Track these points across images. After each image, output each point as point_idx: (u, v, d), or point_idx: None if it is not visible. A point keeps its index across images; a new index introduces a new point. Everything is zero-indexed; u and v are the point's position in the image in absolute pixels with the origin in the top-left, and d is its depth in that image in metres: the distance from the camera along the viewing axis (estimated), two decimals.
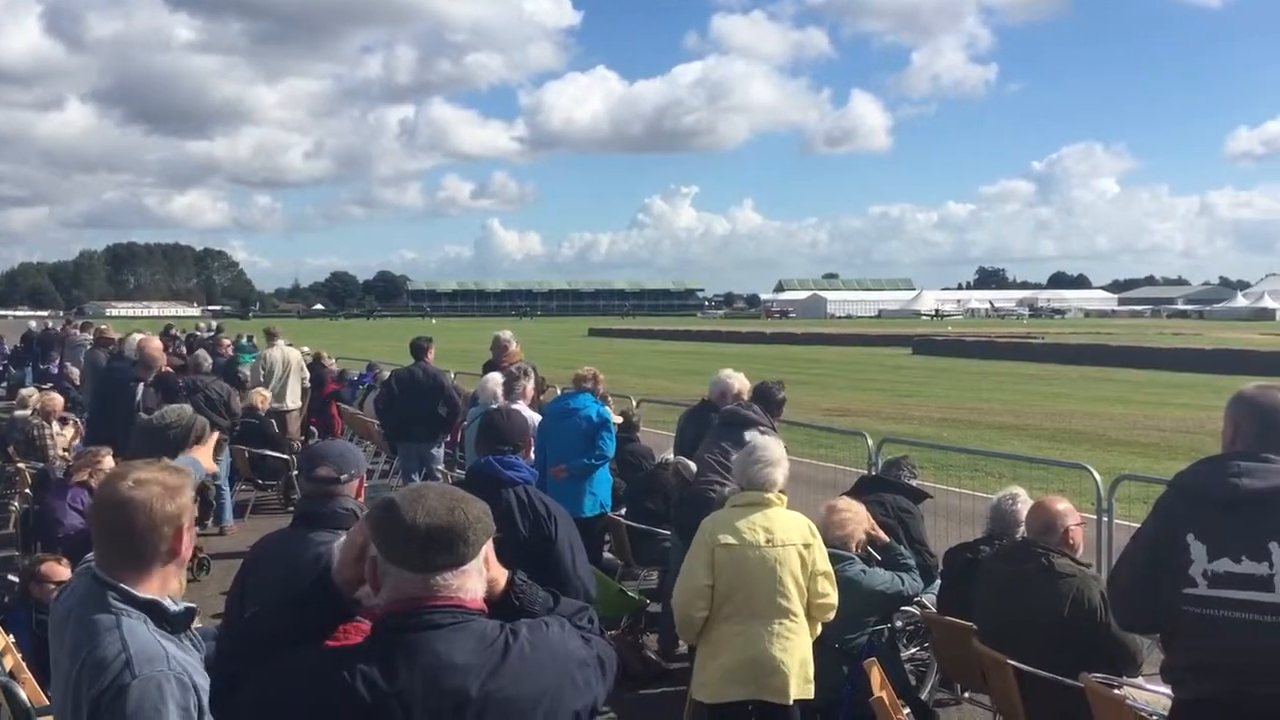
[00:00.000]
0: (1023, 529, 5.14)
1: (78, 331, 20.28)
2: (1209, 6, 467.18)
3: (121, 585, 2.41)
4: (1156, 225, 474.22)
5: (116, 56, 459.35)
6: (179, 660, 2.35)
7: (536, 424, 7.30)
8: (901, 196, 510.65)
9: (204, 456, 4.53)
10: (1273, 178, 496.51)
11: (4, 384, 23.52)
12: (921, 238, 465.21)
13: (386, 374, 13.15)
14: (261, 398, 12.38)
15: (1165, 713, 3.66)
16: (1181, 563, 3.22)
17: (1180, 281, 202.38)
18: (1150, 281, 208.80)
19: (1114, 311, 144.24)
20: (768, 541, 4.46)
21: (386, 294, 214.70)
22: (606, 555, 8.12)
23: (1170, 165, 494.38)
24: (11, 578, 5.98)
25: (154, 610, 2.42)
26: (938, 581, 5.92)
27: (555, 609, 2.23)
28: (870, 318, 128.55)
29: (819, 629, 4.62)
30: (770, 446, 4.74)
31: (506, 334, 10.45)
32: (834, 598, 4.59)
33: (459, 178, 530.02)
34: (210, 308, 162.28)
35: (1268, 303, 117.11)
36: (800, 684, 4.47)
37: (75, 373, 16.30)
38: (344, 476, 3.69)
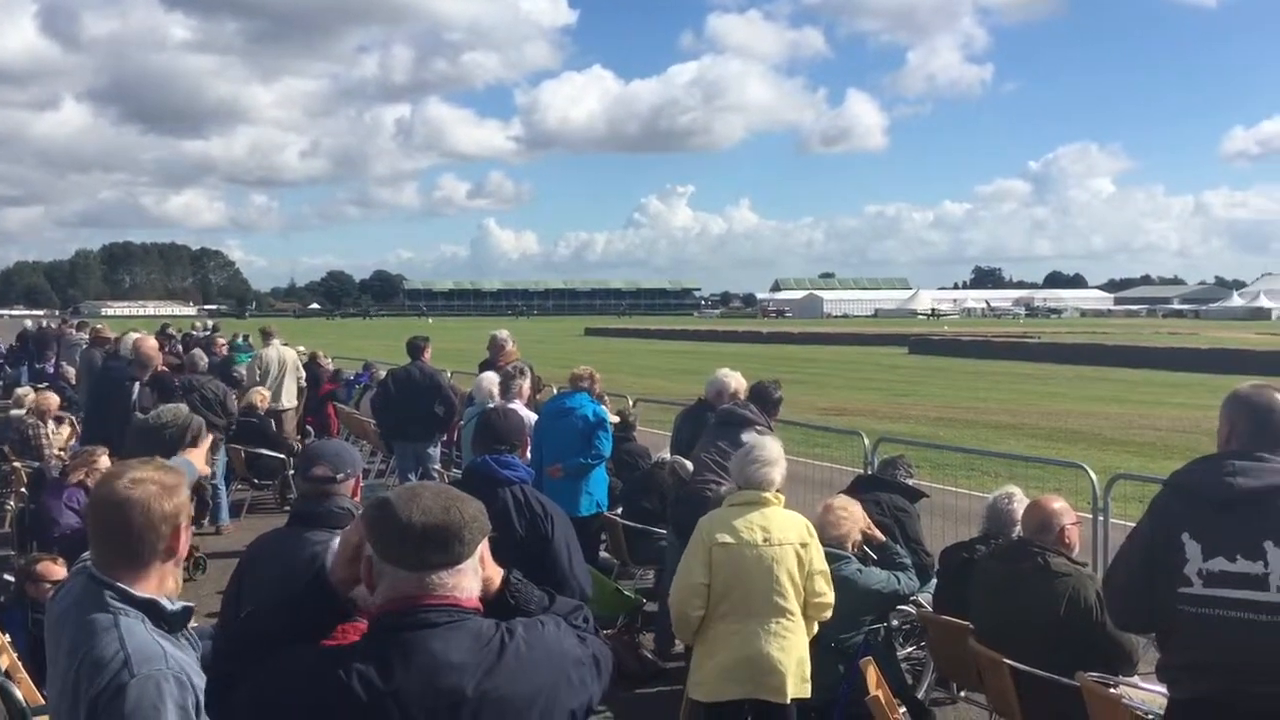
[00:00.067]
0: (1019, 528, 5.14)
1: (74, 331, 20.28)
2: (1204, 6, 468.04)
3: (119, 584, 2.41)
4: (1152, 225, 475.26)
5: (112, 56, 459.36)
6: (177, 659, 2.35)
7: (533, 423, 7.31)
8: (897, 196, 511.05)
9: (198, 458, 4.53)
10: (1268, 177, 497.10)
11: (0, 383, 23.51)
12: (918, 237, 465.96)
13: (383, 373, 13.14)
14: (260, 397, 12.38)
15: (1161, 712, 3.66)
16: (1177, 562, 3.23)
17: (1176, 281, 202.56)
18: (1146, 281, 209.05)
19: (1110, 311, 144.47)
20: (765, 540, 4.47)
21: (383, 293, 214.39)
22: (603, 554, 8.12)
23: (1166, 165, 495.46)
24: (7, 577, 5.96)
25: (151, 609, 2.42)
26: (934, 581, 5.93)
27: (551, 608, 2.23)
28: (866, 317, 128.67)
29: (816, 628, 4.62)
30: (768, 446, 4.74)
31: (503, 333, 10.45)
32: (830, 597, 4.59)
33: (455, 177, 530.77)
34: (206, 307, 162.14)
35: (1263, 302, 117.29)
36: (797, 683, 4.47)
37: (71, 372, 16.27)
38: (340, 476, 3.69)
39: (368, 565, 2.06)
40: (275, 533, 3.84)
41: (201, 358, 11.34)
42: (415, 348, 10.45)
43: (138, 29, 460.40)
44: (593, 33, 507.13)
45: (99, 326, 16.80)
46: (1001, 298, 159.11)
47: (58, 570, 5.20)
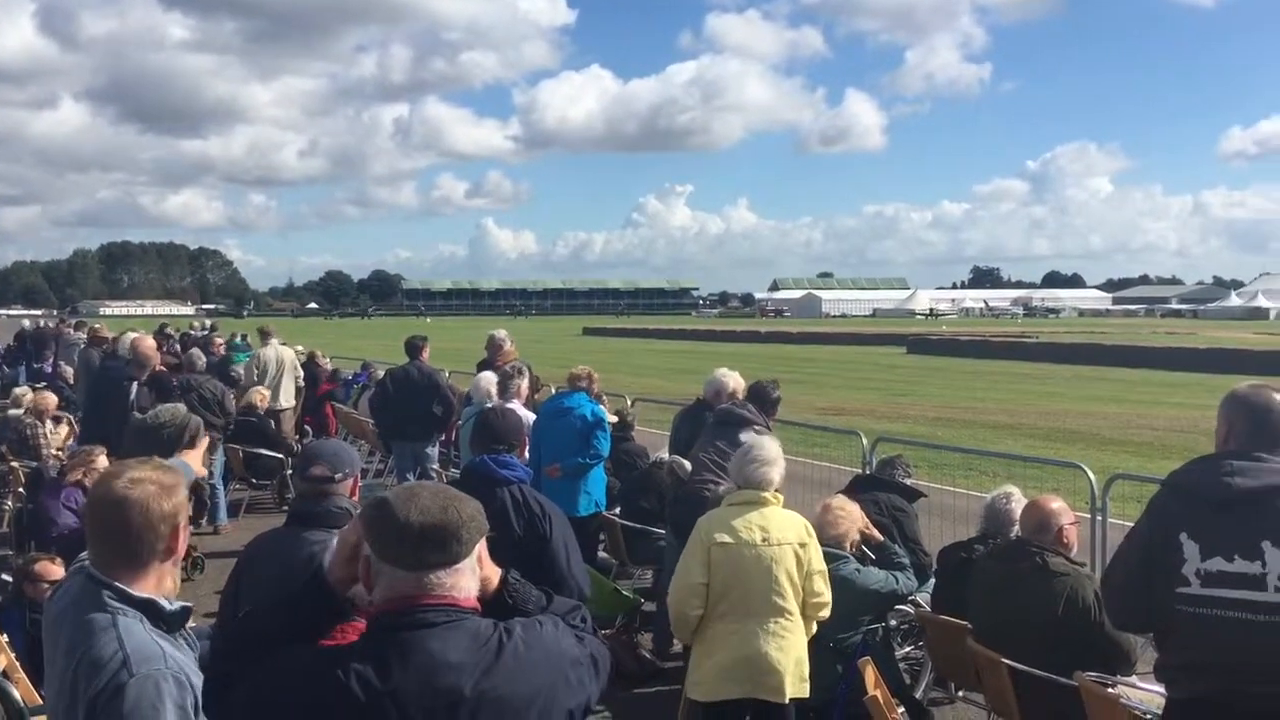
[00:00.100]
0: (1017, 528, 5.14)
1: (71, 330, 20.26)
2: (1202, 6, 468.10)
3: (117, 584, 2.40)
4: (1150, 225, 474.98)
5: (110, 55, 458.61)
6: (175, 659, 2.35)
7: (531, 423, 7.30)
8: (896, 196, 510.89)
9: (194, 460, 4.52)
10: (1266, 177, 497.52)
11: None
12: (916, 237, 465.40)
13: (381, 373, 13.14)
14: (260, 396, 12.38)
15: (1159, 711, 3.66)
16: (1175, 562, 3.23)
17: (1174, 281, 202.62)
18: (1144, 281, 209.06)
19: (1108, 311, 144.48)
20: (764, 540, 4.47)
21: (381, 293, 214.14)
22: (601, 554, 8.12)
23: (1164, 165, 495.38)
24: (5, 577, 5.96)
25: (150, 609, 2.42)
26: (932, 580, 5.93)
27: (549, 608, 2.23)
28: (865, 317, 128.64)
29: (814, 628, 4.62)
30: (767, 446, 4.75)
31: (501, 333, 10.44)
32: (829, 597, 4.59)
33: (453, 177, 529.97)
34: (204, 307, 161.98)
35: (1261, 302, 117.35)
36: (796, 683, 4.47)
37: (69, 371, 16.26)
38: (338, 475, 3.69)
39: (365, 565, 2.05)
40: (273, 532, 3.84)
41: (199, 357, 11.33)
42: (413, 347, 10.46)
43: (136, 28, 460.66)
44: (591, 32, 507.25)
45: (97, 326, 16.76)
46: (999, 297, 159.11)
47: (55, 570, 5.20)
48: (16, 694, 4.23)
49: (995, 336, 52.89)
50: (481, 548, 2.11)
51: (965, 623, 4.91)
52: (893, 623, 5.82)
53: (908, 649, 6.15)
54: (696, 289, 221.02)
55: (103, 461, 6.65)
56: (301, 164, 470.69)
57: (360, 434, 13.38)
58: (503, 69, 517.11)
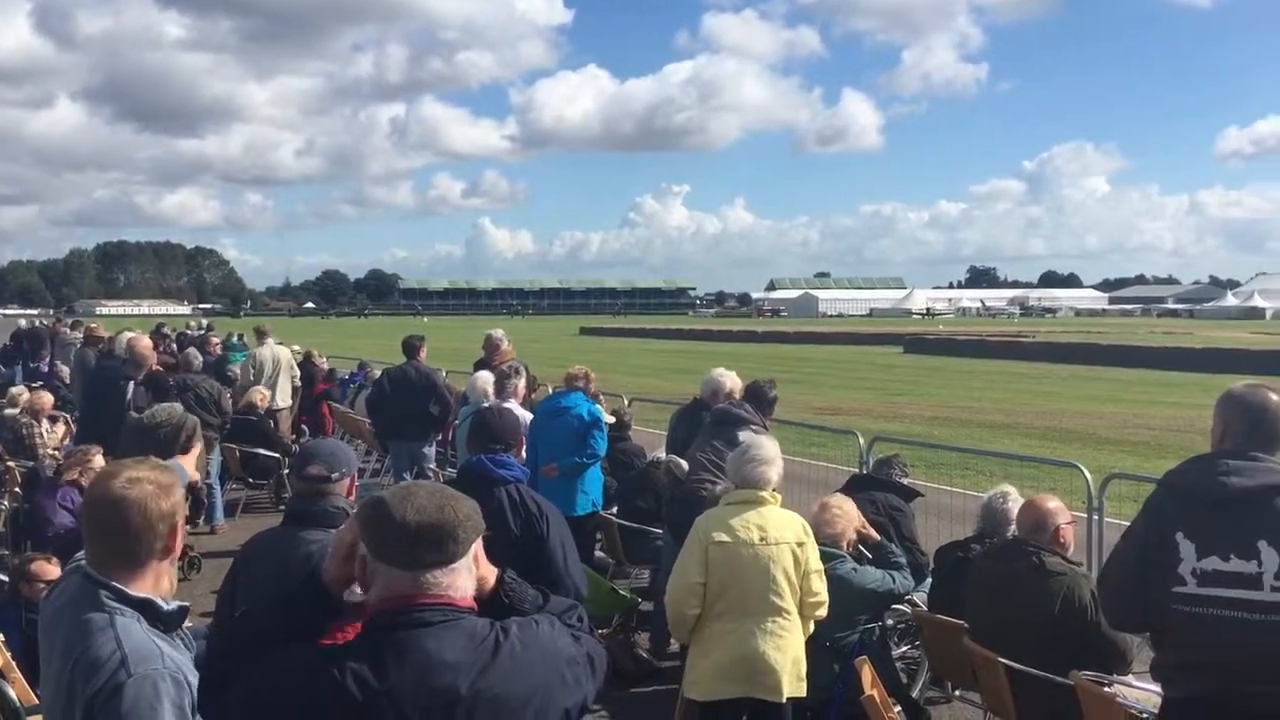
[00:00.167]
0: (1013, 527, 5.15)
1: (68, 330, 20.20)
2: (1199, 6, 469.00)
3: (114, 584, 2.40)
4: (1147, 224, 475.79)
5: (106, 54, 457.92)
6: (173, 659, 2.35)
7: (528, 422, 7.30)
8: (893, 195, 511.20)
9: (189, 464, 4.53)
10: (1262, 177, 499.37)
11: None
12: (913, 236, 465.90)
13: (378, 373, 13.13)
14: (260, 396, 12.36)
15: (1155, 710, 3.67)
16: (1171, 561, 3.23)
17: (1170, 280, 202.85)
18: (1140, 280, 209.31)
19: (1104, 310, 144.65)
20: (761, 540, 4.47)
21: (378, 292, 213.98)
22: (598, 554, 8.12)
23: (1160, 164, 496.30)
24: (1, 576, 5.95)
25: (147, 609, 2.42)
26: (929, 580, 5.94)
27: (545, 607, 2.23)
28: (862, 316, 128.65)
29: (811, 627, 4.62)
30: (765, 445, 4.75)
31: (498, 333, 10.45)
32: (826, 596, 4.59)
33: (450, 176, 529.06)
34: (201, 306, 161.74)
35: (1257, 302, 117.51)
36: (793, 682, 4.47)
37: (65, 371, 16.21)
38: (335, 475, 3.69)
39: (362, 564, 2.05)
40: (270, 532, 3.84)
41: (196, 357, 11.32)
42: (410, 347, 10.46)
43: (132, 27, 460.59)
44: (588, 32, 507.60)
45: (93, 325, 16.71)
46: (996, 297, 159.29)
47: (52, 570, 5.19)
48: (12, 693, 4.23)
49: (992, 336, 52.90)
50: (478, 547, 2.10)
51: (962, 622, 4.92)
52: (889, 622, 5.82)
53: (904, 648, 6.15)
54: (693, 289, 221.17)
55: (99, 461, 6.64)
56: (298, 163, 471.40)
57: (357, 433, 13.37)
58: (499, 68, 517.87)
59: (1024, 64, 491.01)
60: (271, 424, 12.35)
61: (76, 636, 2.35)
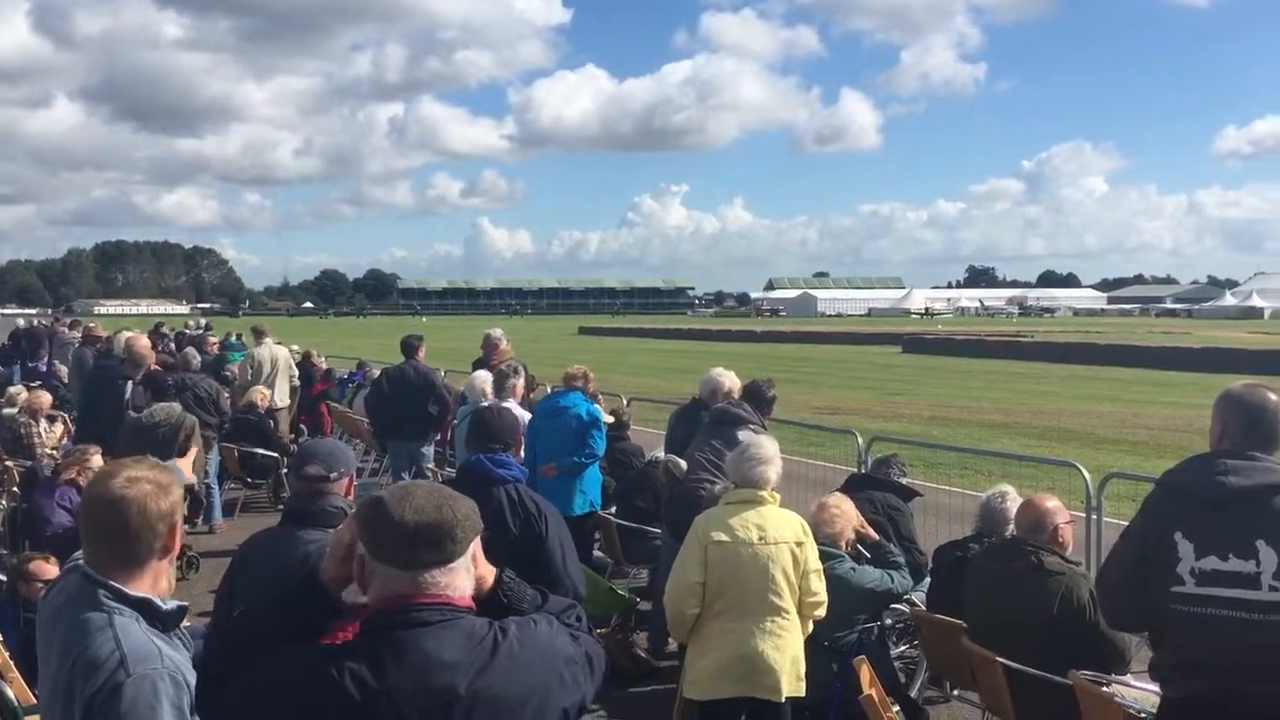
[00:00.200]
0: (1012, 527, 5.15)
1: (66, 329, 20.18)
2: (1197, 6, 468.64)
3: (113, 583, 2.39)
4: (1145, 224, 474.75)
5: (104, 54, 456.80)
6: (172, 659, 2.34)
7: (527, 422, 7.30)
8: (891, 195, 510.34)
9: (185, 466, 4.53)
10: (1260, 177, 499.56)
11: None
12: (911, 236, 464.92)
13: (376, 372, 13.13)
14: (261, 395, 12.34)
15: (1154, 710, 3.67)
16: (1169, 561, 3.23)
17: (1169, 280, 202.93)
18: (1139, 280, 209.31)
19: (1103, 310, 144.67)
20: (760, 539, 4.47)
21: (376, 292, 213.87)
22: (596, 553, 8.12)
23: (1158, 164, 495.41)
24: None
25: (146, 608, 2.41)
26: (927, 579, 5.94)
27: (543, 606, 2.23)
28: (860, 316, 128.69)
29: (810, 627, 4.63)
30: (764, 445, 4.75)
31: (497, 332, 10.45)
32: (825, 596, 4.59)
33: (449, 176, 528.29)
34: (200, 306, 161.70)
35: (1255, 301, 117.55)
36: (792, 681, 4.47)
37: (64, 370, 16.21)
38: (333, 475, 3.69)
39: (360, 564, 2.05)
40: (268, 532, 3.84)
41: (194, 356, 11.32)
42: (409, 347, 10.46)
43: (130, 27, 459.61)
44: (586, 31, 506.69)
45: (91, 325, 16.70)
46: (995, 297, 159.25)
47: (49, 569, 5.19)
48: (10, 693, 4.23)
49: (990, 336, 52.91)
50: (476, 546, 2.10)
51: (960, 622, 4.92)
52: (888, 621, 5.82)
53: (903, 648, 6.15)
54: (692, 288, 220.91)
55: (97, 460, 6.64)
56: (296, 163, 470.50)
57: (355, 433, 13.37)
58: (498, 68, 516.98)
59: (1022, 64, 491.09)
60: (272, 424, 12.35)
61: (75, 636, 2.35)
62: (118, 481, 2.43)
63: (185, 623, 2.59)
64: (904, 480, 6.77)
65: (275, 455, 11.41)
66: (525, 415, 7.55)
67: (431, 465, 10.38)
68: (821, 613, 4.61)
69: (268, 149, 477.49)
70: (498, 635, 2.02)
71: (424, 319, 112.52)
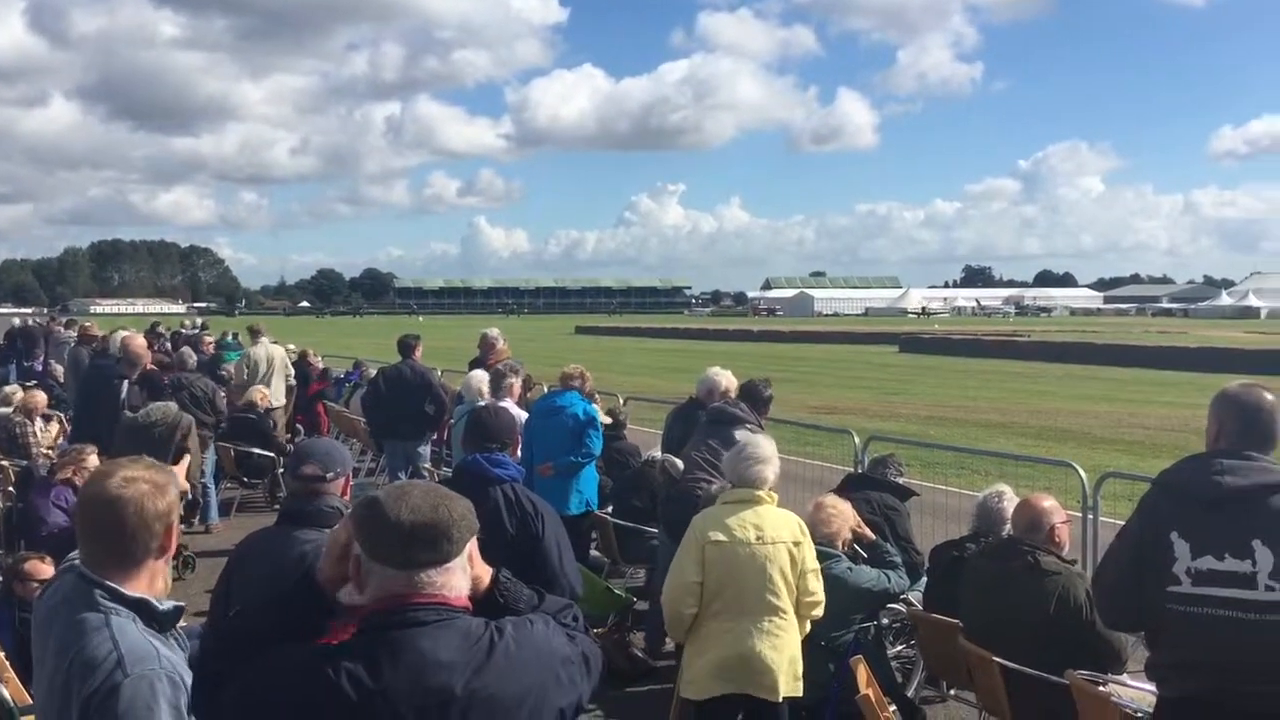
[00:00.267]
0: (1009, 526, 5.16)
1: (62, 329, 20.16)
2: (1193, 6, 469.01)
3: (109, 583, 2.39)
4: (1141, 224, 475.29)
5: (101, 53, 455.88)
6: (169, 659, 2.34)
7: (523, 422, 7.30)
8: (888, 194, 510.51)
9: (180, 472, 4.52)
10: (1256, 177, 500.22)
11: None
12: (908, 236, 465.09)
13: (373, 372, 13.12)
14: (261, 395, 12.31)
15: (1150, 710, 3.68)
16: (1165, 560, 3.23)
17: (1165, 280, 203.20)
18: (1135, 280, 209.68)
19: (1099, 310, 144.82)
20: (758, 539, 4.47)
21: (373, 291, 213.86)
22: (593, 553, 8.12)
23: (1155, 164, 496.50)
24: None
25: (143, 608, 2.41)
26: (924, 579, 5.94)
27: (540, 606, 2.23)
28: (857, 315, 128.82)
29: (808, 627, 4.62)
30: (761, 444, 4.75)
31: (494, 332, 10.45)
32: (822, 596, 4.59)
33: (445, 175, 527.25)
34: (196, 305, 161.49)
35: (1252, 301, 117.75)
36: (790, 681, 4.47)
37: (60, 370, 16.19)
38: (330, 474, 3.69)
39: (356, 564, 2.05)
40: (264, 531, 3.84)
41: (190, 356, 11.31)
42: (406, 346, 10.44)
43: (126, 26, 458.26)
44: (583, 31, 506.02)
45: (87, 324, 16.69)
46: (991, 296, 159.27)
47: (45, 569, 5.18)
48: (6, 693, 4.22)
49: (987, 335, 52.98)
50: (472, 546, 2.10)
51: (957, 621, 4.92)
52: (885, 621, 5.82)
53: (900, 647, 6.15)
54: (689, 288, 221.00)
55: (93, 460, 6.63)
56: (293, 162, 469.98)
57: (352, 433, 13.36)
58: (495, 67, 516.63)
59: (1019, 63, 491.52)
60: (271, 423, 12.33)
61: (71, 636, 2.34)
62: (114, 481, 2.43)
63: (181, 623, 2.58)
64: (901, 480, 6.77)
65: (271, 455, 11.39)
66: (522, 415, 7.55)
67: (428, 465, 10.37)
68: (819, 613, 4.61)
69: (264, 148, 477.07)
70: (494, 635, 2.02)
71: (420, 318, 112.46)
